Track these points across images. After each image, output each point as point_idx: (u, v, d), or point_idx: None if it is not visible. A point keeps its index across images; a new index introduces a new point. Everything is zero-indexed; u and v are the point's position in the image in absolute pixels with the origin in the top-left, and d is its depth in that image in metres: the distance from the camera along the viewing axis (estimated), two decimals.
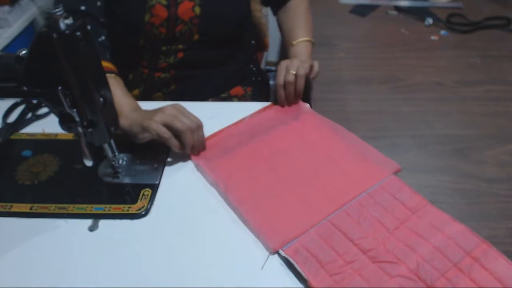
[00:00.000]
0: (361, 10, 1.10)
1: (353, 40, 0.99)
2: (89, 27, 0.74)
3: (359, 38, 1.00)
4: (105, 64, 0.72)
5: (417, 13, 1.07)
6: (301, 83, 0.71)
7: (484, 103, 0.76)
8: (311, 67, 0.73)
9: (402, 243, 0.49)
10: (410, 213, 0.53)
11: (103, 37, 0.76)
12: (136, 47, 0.82)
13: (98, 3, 0.77)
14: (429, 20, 1.03)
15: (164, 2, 0.77)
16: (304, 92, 0.72)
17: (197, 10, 0.79)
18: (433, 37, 0.98)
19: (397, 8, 1.10)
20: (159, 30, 0.79)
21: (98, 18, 0.77)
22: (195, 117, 0.63)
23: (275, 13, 0.92)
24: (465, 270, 0.46)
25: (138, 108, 0.68)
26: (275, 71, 0.75)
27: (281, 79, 0.72)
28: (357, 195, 0.55)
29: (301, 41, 0.82)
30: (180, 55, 0.84)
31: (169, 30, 0.80)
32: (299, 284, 0.48)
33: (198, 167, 0.63)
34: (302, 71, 0.71)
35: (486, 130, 0.71)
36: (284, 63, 0.74)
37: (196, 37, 0.82)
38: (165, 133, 0.60)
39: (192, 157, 0.64)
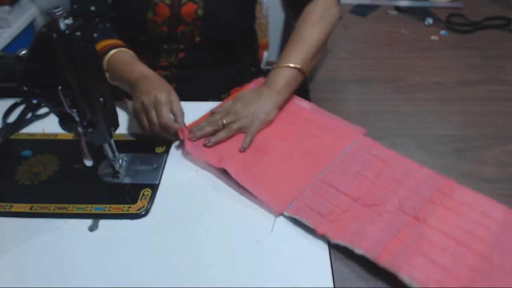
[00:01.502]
0: (361, 10, 1.10)
1: (353, 40, 0.99)
2: (100, 26, 0.77)
3: (359, 38, 1.00)
4: (111, 41, 0.74)
5: (417, 13, 1.07)
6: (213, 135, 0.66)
7: (484, 103, 0.76)
8: (246, 137, 0.65)
9: (384, 188, 0.57)
10: (385, 165, 0.61)
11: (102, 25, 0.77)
12: (138, 44, 0.82)
13: (109, 0, 0.78)
14: (429, 20, 1.03)
15: (168, 2, 0.78)
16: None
17: (200, 12, 0.79)
18: (433, 37, 0.98)
19: (397, 8, 1.10)
20: (161, 28, 0.80)
21: (108, 16, 0.78)
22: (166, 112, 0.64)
23: (295, 19, 0.82)
24: (438, 202, 0.55)
25: (142, 77, 0.68)
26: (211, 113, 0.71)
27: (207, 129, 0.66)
28: (337, 156, 0.63)
29: (283, 67, 0.71)
30: (181, 55, 0.84)
31: (171, 30, 0.80)
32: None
33: (189, 153, 0.64)
34: (223, 134, 0.65)
35: (486, 130, 0.71)
36: (228, 103, 0.69)
37: (198, 39, 0.82)
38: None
39: (184, 143, 0.65)
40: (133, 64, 0.71)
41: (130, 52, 0.75)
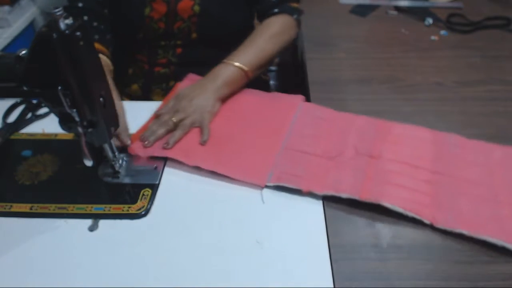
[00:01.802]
0: (361, 10, 1.10)
1: (353, 40, 0.99)
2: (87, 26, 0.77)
3: (359, 38, 1.00)
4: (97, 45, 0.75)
5: (417, 13, 1.07)
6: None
7: (484, 103, 0.76)
8: (202, 129, 0.66)
9: (337, 142, 0.66)
10: (330, 122, 0.70)
11: (102, 27, 0.78)
12: (135, 41, 0.83)
13: None
14: (429, 20, 1.03)
15: None
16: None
17: (197, 9, 0.79)
18: (433, 37, 0.98)
19: (397, 8, 1.10)
20: (158, 25, 0.80)
21: (99, 13, 0.77)
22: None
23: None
24: (382, 139, 0.65)
25: None
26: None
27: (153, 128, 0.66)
28: (290, 123, 0.69)
29: (230, 64, 0.73)
30: (179, 51, 0.84)
31: (168, 26, 0.80)
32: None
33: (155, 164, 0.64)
34: (179, 132, 0.65)
35: (486, 130, 0.70)
36: (171, 102, 0.70)
37: (194, 35, 0.82)
38: None
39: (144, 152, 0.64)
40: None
41: (104, 60, 0.74)
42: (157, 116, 0.70)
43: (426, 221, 0.54)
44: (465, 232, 0.52)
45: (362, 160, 0.62)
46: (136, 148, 0.64)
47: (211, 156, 0.63)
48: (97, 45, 0.76)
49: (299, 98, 0.75)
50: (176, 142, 0.65)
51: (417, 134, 0.67)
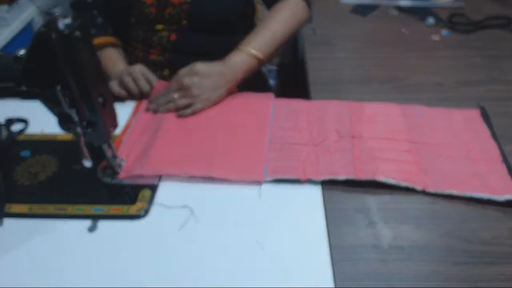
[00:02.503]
0: (361, 10, 1.10)
1: (353, 40, 0.98)
2: (98, 20, 0.82)
3: (359, 38, 1.00)
4: (104, 39, 0.83)
5: (418, 13, 1.07)
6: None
7: (485, 103, 0.76)
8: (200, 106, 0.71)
9: (318, 128, 0.68)
10: (305, 112, 0.72)
11: (100, 19, 0.83)
12: (129, 26, 0.84)
13: None
14: (430, 20, 1.03)
15: None
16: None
17: None
18: (434, 37, 0.98)
19: (398, 8, 1.10)
20: (149, 9, 0.82)
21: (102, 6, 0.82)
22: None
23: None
24: (357, 119, 0.70)
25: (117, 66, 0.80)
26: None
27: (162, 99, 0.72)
28: (269, 119, 0.70)
29: (243, 52, 0.74)
30: (173, 37, 0.84)
31: (159, 11, 0.82)
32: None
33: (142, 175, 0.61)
34: (171, 105, 0.71)
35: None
36: (179, 80, 0.71)
37: (184, 22, 0.83)
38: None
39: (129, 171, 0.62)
40: (118, 60, 0.81)
41: (119, 50, 0.83)
42: (170, 83, 0.73)
43: (418, 188, 0.58)
44: (454, 192, 0.57)
45: (346, 141, 0.66)
46: (126, 171, 0.62)
47: (203, 163, 0.62)
48: (111, 39, 0.83)
49: (270, 96, 0.76)
50: (164, 111, 0.71)
51: (387, 111, 0.72)
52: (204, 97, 0.71)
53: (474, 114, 0.71)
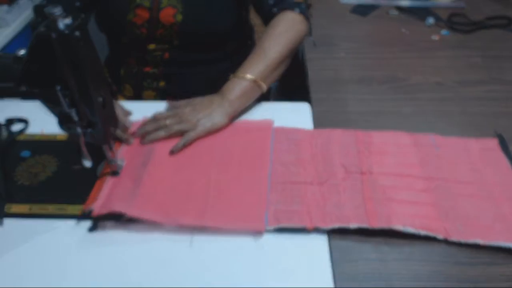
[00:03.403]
0: (361, 10, 1.10)
1: (353, 40, 0.98)
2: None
3: (359, 38, 1.00)
4: None
5: (418, 13, 1.07)
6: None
7: (485, 103, 0.76)
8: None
9: (323, 162, 0.62)
10: (307, 143, 0.65)
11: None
12: (122, 44, 0.84)
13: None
14: (430, 20, 1.03)
15: (147, 5, 0.79)
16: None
17: (179, 17, 0.79)
18: (434, 37, 0.98)
19: (398, 8, 1.10)
20: (141, 30, 0.81)
21: (71, 3, 0.79)
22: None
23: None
24: (365, 151, 0.63)
25: None
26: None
27: (150, 126, 0.66)
28: (269, 154, 0.63)
29: (240, 77, 0.69)
30: (166, 55, 0.84)
31: (149, 32, 0.81)
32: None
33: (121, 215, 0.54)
34: (162, 133, 0.64)
35: (486, 130, 0.70)
36: (173, 107, 0.68)
37: (176, 42, 0.82)
38: None
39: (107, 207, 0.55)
40: None
41: None
42: (156, 117, 0.68)
43: (440, 237, 0.52)
44: (479, 242, 0.51)
45: (355, 179, 0.59)
46: (105, 207, 0.55)
47: (195, 209, 0.55)
48: None
49: (268, 124, 0.69)
50: (152, 141, 0.64)
51: (398, 140, 0.66)
52: (199, 124, 0.65)
53: (492, 144, 0.65)
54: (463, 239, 0.52)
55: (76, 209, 0.57)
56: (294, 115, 0.73)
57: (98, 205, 0.56)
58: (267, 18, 0.79)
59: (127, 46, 0.85)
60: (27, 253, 0.52)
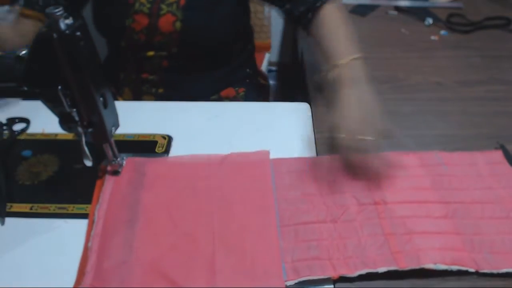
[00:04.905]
0: (361, 10, 1.10)
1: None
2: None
3: (359, 38, 0.99)
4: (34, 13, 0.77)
5: (417, 13, 1.07)
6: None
7: (484, 103, 0.76)
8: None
9: (333, 195, 0.57)
10: (312, 173, 0.60)
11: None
12: (121, 49, 0.83)
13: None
14: (429, 20, 1.03)
15: (147, 11, 0.78)
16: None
17: (178, 25, 0.78)
18: (433, 37, 0.98)
19: (397, 8, 1.10)
20: (139, 36, 0.79)
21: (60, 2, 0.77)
22: None
23: (308, 31, 0.76)
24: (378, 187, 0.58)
25: None
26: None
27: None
28: (272, 192, 0.57)
29: (351, 60, 0.65)
30: (165, 63, 0.83)
31: (148, 38, 0.79)
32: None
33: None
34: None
35: (486, 130, 0.70)
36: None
37: (175, 49, 0.81)
38: None
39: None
40: None
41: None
42: None
43: (472, 270, 0.49)
44: (511, 270, 0.49)
45: (370, 211, 0.55)
46: (99, 278, 0.48)
47: (202, 271, 0.49)
48: (39, 15, 0.76)
49: (265, 156, 0.62)
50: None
51: (403, 161, 0.62)
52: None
53: (498, 157, 0.63)
54: (494, 270, 0.49)
55: (77, 208, 0.57)
56: (294, 115, 0.73)
57: (88, 280, 0.48)
58: (305, 14, 0.74)
59: (125, 51, 0.84)
60: (27, 253, 0.52)
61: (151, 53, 0.82)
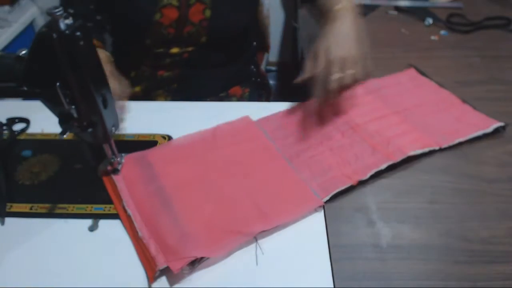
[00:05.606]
0: (361, 10, 1.10)
1: None
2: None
3: (358, 38, 1.00)
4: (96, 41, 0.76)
5: (417, 13, 1.07)
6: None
7: (485, 103, 0.76)
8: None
9: (319, 132, 0.70)
10: (295, 117, 0.73)
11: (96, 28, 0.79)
12: (142, 47, 0.81)
13: (91, 6, 0.78)
14: (429, 20, 1.03)
15: (176, 3, 0.77)
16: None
17: (208, 13, 0.78)
18: (433, 37, 0.98)
19: (397, 8, 1.10)
20: (167, 30, 0.79)
21: (91, 17, 0.77)
22: None
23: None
24: (349, 116, 0.72)
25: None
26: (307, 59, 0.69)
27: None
28: (271, 143, 0.67)
29: (343, 8, 0.69)
30: (186, 55, 0.83)
31: (177, 31, 0.79)
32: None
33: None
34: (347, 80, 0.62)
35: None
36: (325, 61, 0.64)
37: (204, 39, 0.81)
38: None
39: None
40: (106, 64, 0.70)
41: (103, 53, 0.75)
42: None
43: (436, 148, 0.65)
44: (461, 140, 0.66)
45: (351, 134, 0.68)
46: (173, 257, 0.49)
47: (254, 218, 0.54)
48: (98, 43, 0.77)
49: (248, 119, 0.72)
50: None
51: (353, 93, 0.73)
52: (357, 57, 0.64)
53: (413, 72, 0.83)
54: (450, 143, 0.66)
55: (77, 208, 0.57)
56: None
57: (161, 260, 0.49)
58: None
59: (146, 48, 0.82)
60: (27, 253, 0.52)
61: (175, 49, 0.82)
